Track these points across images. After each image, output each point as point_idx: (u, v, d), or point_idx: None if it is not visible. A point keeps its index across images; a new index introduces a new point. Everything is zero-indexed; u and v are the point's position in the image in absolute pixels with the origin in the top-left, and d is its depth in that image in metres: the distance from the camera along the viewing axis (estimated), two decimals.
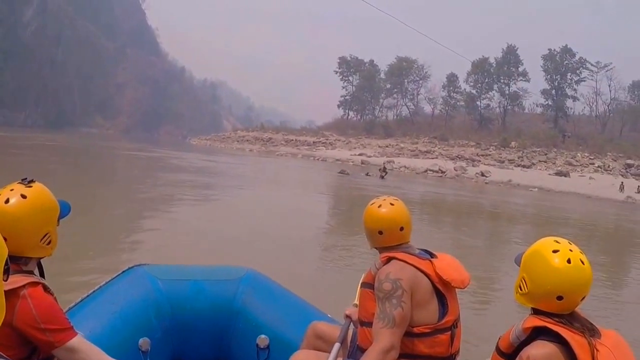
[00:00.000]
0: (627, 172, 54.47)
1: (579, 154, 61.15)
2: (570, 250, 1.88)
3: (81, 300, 2.95)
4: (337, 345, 2.60)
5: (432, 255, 2.57)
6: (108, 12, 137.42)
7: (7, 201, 1.86)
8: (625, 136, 69.98)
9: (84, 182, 17.49)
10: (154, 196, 16.34)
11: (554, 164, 57.98)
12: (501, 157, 60.44)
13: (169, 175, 23.90)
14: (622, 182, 43.58)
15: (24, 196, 1.88)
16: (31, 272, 1.95)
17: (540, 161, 59.13)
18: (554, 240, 1.93)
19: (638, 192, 40.24)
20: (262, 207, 16.01)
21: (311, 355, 2.74)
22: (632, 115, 73.90)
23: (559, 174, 49.91)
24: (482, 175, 46.79)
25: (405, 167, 50.85)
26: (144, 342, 2.92)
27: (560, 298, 1.86)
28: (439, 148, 66.67)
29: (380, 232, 2.56)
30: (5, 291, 1.31)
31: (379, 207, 2.58)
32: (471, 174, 47.98)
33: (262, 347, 3.24)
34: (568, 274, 1.84)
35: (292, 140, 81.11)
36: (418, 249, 2.60)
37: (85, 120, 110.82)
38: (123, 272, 3.36)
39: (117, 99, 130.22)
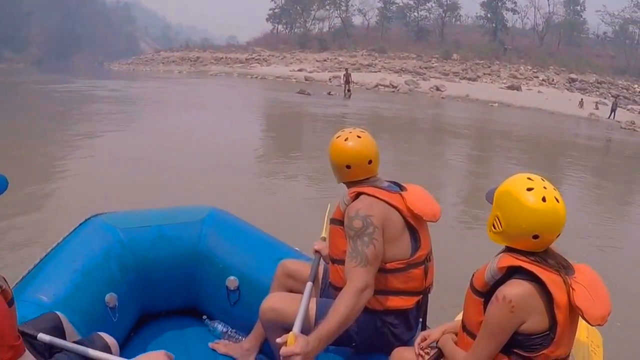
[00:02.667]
0: (571, 86, 53.88)
1: (522, 67, 59.99)
2: (545, 188, 1.87)
3: (39, 262, 2.85)
4: (309, 285, 2.54)
5: (401, 187, 2.57)
6: None
7: None
8: (562, 50, 69.51)
9: None
10: (79, 134, 13.71)
11: (498, 77, 56.72)
12: (445, 70, 58.45)
13: (94, 108, 20.47)
14: (582, 99, 42.45)
15: None
16: None
17: (485, 74, 57.52)
18: (527, 178, 1.92)
19: (596, 109, 39.41)
20: (225, 137, 14.28)
21: (284, 298, 2.65)
22: (567, 29, 73.44)
23: (511, 87, 48.30)
24: (438, 89, 44.36)
25: (354, 82, 47.88)
26: (110, 298, 2.80)
27: (536, 237, 1.86)
28: (379, 61, 63.85)
29: (348, 167, 2.54)
30: None
31: (345, 140, 2.54)
32: (425, 89, 45.53)
33: (232, 289, 3.19)
34: (543, 213, 1.84)
35: (222, 58, 76.53)
36: (386, 181, 2.60)
37: None
38: (79, 225, 3.17)
39: (25, 30, 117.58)
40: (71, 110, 19.38)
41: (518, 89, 48.08)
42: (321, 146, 10.69)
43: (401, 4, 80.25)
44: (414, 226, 2.46)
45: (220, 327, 3.28)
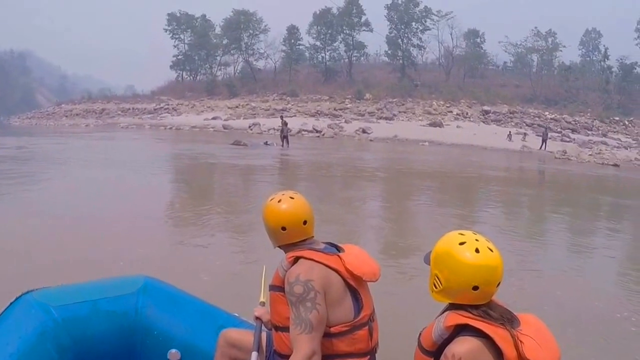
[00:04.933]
0: (486, 118, 54.94)
1: (434, 102, 60.59)
2: (477, 240, 1.96)
3: None
4: (254, 355, 2.61)
5: (338, 248, 2.60)
6: None
7: None
8: (468, 83, 71.07)
9: None
10: None
11: (413, 114, 57.06)
12: (360, 110, 58.18)
13: None
14: (510, 132, 43.12)
15: None
16: None
17: (400, 112, 57.63)
18: (459, 233, 2.01)
19: (524, 140, 40.00)
20: (159, 202, 12.43)
21: None
22: (469, 62, 75.30)
23: (433, 124, 48.42)
24: (364, 131, 43.69)
25: (274, 129, 46.55)
26: None
27: (475, 288, 1.92)
28: (292, 105, 62.80)
29: (284, 229, 2.55)
30: None
31: (279, 202, 2.58)
32: (350, 131, 44.76)
33: None
34: (478, 263, 1.91)
35: (129, 109, 73.24)
36: (323, 242, 2.63)
37: None
38: (10, 304, 3.00)
39: None
40: None
41: (440, 125, 48.27)
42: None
43: (308, 45, 79.75)
44: (355, 287, 2.47)
45: None
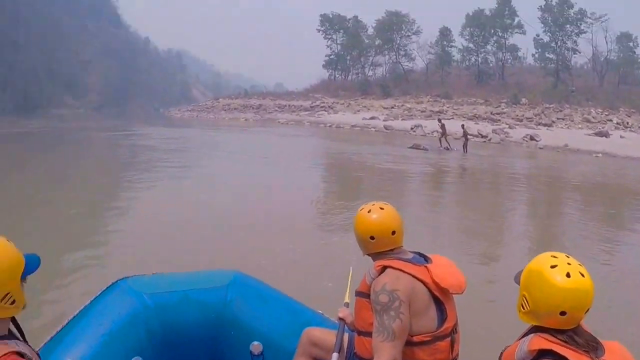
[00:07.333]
0: None
1: (592, 110, 58.94)
2: (569, 264, 1.91)
3: (67, 324, 2.94)
4: (335, 355, 2.67)
5: (426, 259, 2.65)
6: None
7: None
8: (623, 89, 67.89)
9: (59, 186, 15.13)
10: (134, 185, 15.19)
11: (572, 121, 55.63)
12: (517, 115, 57.64)
13: (172, 159, 21.42)
14: None
15: None
16: (5, 336, 1.88)
17: (558, 119, 56.47)
18: (551, 256, 1.97)
19: None
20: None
21: None
22: (624, 67, 72.45)
23: (599, 134, 47.08)
24: (532, 139, 43.32)
25: (437, 131, 47.48)
26: None
27: (563, 314, 1.89)
28: (448, 107, 63.28)
29: (372, 238, 2.63)
30: None
31: (368, 212, 2.67)
32: (516, 138, 44.37)
33: (256, 354, 3.24)
34: (568, 289, 1.87)
35: (285, 105, 76.75)
36: (411, 252, 2.69)
37: (54, 102, 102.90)
38: (107, 288, 3.29)
39: (84, 77, 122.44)
40: (143, 160, 21.10)
41: (606, 135, 46.97)
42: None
43: (460, 47, 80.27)
44: (440, 298, 2.53)
45: None
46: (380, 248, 2.65)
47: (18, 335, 1.97)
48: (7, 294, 1.82)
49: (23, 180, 15.29)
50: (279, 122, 62.44)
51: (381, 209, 2.67)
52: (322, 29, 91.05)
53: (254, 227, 9.99)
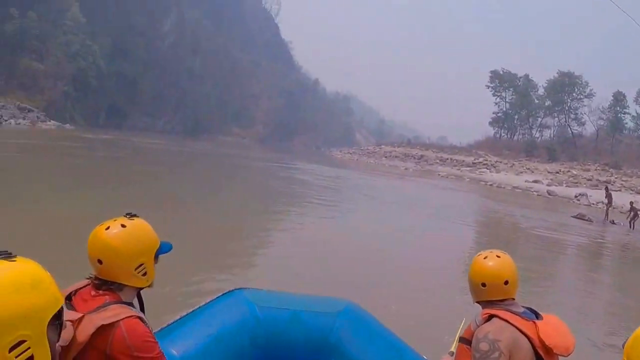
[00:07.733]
0: None
1: None
2: None
3: (179, 319, 3.12)
4: None
5: (537, 315, 2.56)
6: (242, 25, 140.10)
7: (107, 228, 2.08)
8: None
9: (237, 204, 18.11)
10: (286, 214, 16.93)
11: None
12: None
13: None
14: None
15: (123, 226, 2.10)
16: (130, 304, 2.10)
17: None
18: None
19: None
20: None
21: None
22: None
23: None
24: None
25: (602, 202, 45.30)
26: None
27: None
28: (617, 178, 60.16)
29: (484, 285, 2.57)
30: (104, 325, 1.89)
31: (484, 258, 2.62)
32: None
33: None
34: None
35: (447, 159, 76.92)
36: (523, 307, 2.60)
37: (221, 129, 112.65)
38: (222, 294, 3.46)
39: (252, 109, 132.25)
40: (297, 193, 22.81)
41: None
42: None
43: (634, 114, 76.95)
44: (543, 357, 2.42)
45: None
46: (491, 296, 2.59)
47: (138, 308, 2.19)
48: (142, 265, 2.12)
49: (183, 187, 19.45)
50: (439, 174, 62.45)
51: (497, 257, 2.61)
52: (492, 85, 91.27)
53: (392, 267, 10.74)
